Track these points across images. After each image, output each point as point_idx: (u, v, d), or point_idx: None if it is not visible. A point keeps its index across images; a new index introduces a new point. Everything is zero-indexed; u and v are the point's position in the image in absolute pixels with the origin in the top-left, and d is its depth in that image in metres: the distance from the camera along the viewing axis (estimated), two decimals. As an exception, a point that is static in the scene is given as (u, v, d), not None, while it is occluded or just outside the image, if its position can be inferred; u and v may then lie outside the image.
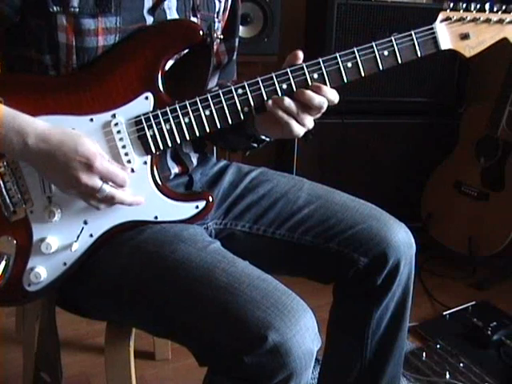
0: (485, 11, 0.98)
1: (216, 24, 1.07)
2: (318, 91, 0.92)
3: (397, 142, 2.30)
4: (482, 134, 2.16)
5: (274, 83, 0.93)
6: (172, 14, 0.97)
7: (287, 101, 0.92)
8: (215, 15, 1.06)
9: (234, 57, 1.19)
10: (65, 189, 0.89)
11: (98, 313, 1.01)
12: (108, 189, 0.87)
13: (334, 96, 0.93)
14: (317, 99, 0.92)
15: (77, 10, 0.88)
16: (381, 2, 2.13)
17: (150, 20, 0.94)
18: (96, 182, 0.86)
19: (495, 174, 2.13)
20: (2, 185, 0.90)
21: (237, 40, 1.18)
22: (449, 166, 2.29)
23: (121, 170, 0.89)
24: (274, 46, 2.03)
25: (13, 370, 1.53)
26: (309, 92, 0.92)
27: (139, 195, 0.94)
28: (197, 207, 0.98)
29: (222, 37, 1.11)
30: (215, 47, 1.12)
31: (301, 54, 0.94)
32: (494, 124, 2.10)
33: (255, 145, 1.09)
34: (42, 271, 0.92)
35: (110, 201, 0.89)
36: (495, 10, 0.98)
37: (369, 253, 1.07)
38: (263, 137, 1.06)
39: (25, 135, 0.83)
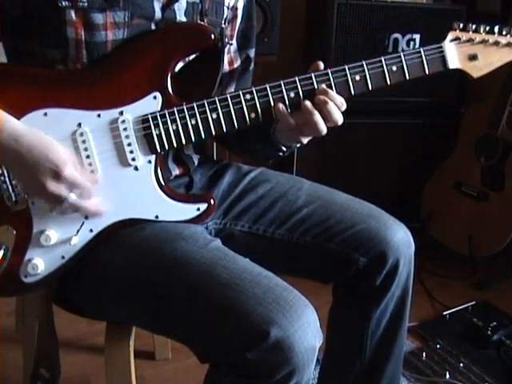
0: (494, 33, 0.99)
1: (224, 29, 1.07)
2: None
3: (397, 142, 2.29)
4: (482, 133, 2.16)
5: (282, 91, 0.94)
6: (181, 15, 0.98)
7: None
8: (222, 21, 1.06)
9: (251, 67, 1.19)
10: (30, 192, 0.89)
11: (98, 311, 1.01)
12: (72, 200, 0.86)
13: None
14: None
15: (85, 4, 0.88)
16: (381, 2, 2.13)
17: (158, 17, 0.95)
18: (63, 191, 0.85)
19: (495, 173, 2.13)
20: (6, 175, 0.90)
21: (253, 50, 1.18)
22: (449, 165, 2.29)
23: (87, 183, 0.88)
24: (274, 46, 2.03)
25: (13, 369, 1.52)
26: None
27: (140, 193, 0.94)
28: (198, 209, 0.98)
29: (232, 42, 1.11)
30: (228, 56, 1.12)
31: (321, 64, 0.95)
32: (494, 124, 2.10)
33: (281, 153, 1.09)
34: (39, 263, 0.92)
35: (74, 210, 0.89)
36: (504, 33, 0.98)
37: (368, 253, 1.07)
38: (283, 147, 1.06)
39: None
